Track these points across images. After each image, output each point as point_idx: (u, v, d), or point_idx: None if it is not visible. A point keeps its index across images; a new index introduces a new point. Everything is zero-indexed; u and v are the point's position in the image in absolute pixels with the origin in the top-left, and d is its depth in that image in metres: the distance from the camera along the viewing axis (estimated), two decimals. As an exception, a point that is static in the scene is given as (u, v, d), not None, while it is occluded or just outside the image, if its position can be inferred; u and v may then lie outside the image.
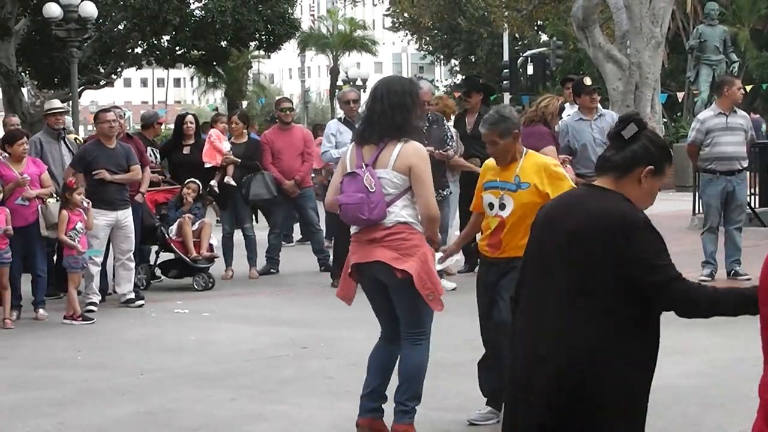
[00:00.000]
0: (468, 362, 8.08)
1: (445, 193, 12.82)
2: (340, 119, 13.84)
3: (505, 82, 42.10)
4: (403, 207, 6.69)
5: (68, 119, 14.54)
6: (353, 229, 6.91)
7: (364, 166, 6.71)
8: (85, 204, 11.84)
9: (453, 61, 62.20)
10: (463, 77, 40.73)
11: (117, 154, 12.40)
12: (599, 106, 13.50)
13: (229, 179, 14.44)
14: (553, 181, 7.04)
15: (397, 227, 6.68)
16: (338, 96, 15.28)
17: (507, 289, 7.06)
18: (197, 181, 14.03)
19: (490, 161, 7.42)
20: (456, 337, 9.48)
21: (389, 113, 6.72)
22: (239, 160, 14.50)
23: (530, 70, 43.13)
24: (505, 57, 45.79)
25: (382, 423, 6.92)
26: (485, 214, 7.32)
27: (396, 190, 6.68)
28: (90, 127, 58.16)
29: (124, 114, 14.65)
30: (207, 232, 13.82)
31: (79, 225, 11.75)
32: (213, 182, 14.44)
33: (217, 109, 46.17)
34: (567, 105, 14.74)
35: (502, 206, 7.13)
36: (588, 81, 13.31)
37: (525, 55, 47.00)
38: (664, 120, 35.90)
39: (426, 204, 6.69)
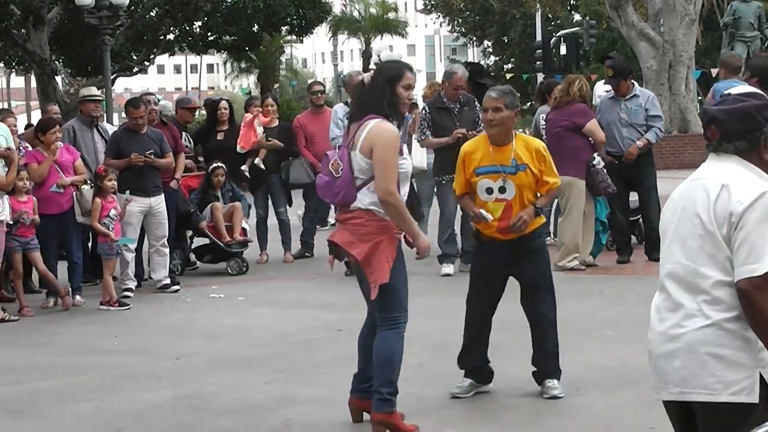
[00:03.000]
0: (502, 343, 8.08)
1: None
2: (346, 103, 13.75)
3: (538, 62, 41.93)
4: (368, 194, 6.66)
5: None
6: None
7: (337, 148, 6.87)
8: (125, 198, 11.94)
9: (486, 43, 62.01)
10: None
11: (148, 140, 12.48)
12: (635, 85, 13.40)
13: (259, 162, 14.39)
14: (546, 166, 7.45)
15: (358, 212, 6.68)
16: (345, 80, 15.21)
17: (531, 272, 7.23)
18: (221, 164, 14.01)
19: (467, 146, 7.65)
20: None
21: (374, 91, 6.79)
22: (282, 145, 14.49)
23: (563, 50, 42.94)
24: (538, 37, 45.57)
25: (368, 403, 6.91)
26: (478, 199, 7.48)
27: (363, 175, 6.67)
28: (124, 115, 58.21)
29: (159, 101, 14.65)
30: (238, 216, 13.82)
31: (113, 212, 11.81)
32: (244, 167, 14.42)
33: (250, 92, 46.16)
34: (601, 82, 14.74)
35: (503, 189, 7.32)
36: (610, 72, 13.24)
37: (558, 35, 46.77)
38: (699, 98, 35.67)
39: (380, 186, 6.59)
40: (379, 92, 6.74)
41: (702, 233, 4.07)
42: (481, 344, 7.59)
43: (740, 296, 3.97)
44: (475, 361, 7.62)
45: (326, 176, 6.80)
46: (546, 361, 7.52)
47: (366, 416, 6.97)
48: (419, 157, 13.33)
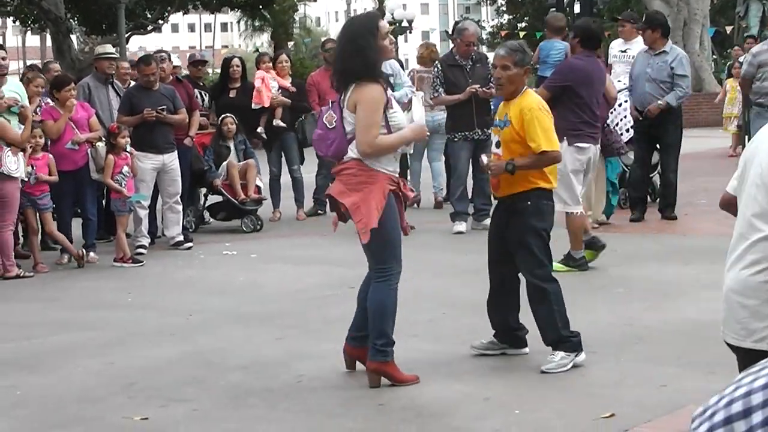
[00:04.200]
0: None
1: (489, 132, 12.78)
2: None
3: (552, 21, 41.70)
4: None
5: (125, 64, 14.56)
6: None
7: (331, 104, 6.89)
8: (129, 149, 11.94)
9: (499, 1, 61.65)
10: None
11: (160, 96, 12.50)
12: (669, 42, 13.35)
13: (277, 121, 14.44)
14: (527, 127, 7.18)
15: (350, 163, 6.76)
16: None
17: (512, 235, 7.20)
18: (230, 114, 14.01)
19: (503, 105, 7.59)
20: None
21: (348, 61, 6.77)
22: (289, 101, 14.52)
23: (577, 8, 42.66)
24: (552, -5, 45.33)
25: (362, 351, 7.06)
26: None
27: (353, 128, 6.73)
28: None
29: (170, 57, 14.64)
30: (252, 173, 13.85)
31: (125, 169, 11.85)
32: (260, 129, 14.45)
33: (257, 50, 45.96)
34: (621, 41, 14.79)
35: (498, 144, 7.30)
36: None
37: (572, -7, 46.47)
38: (714, 56, 35.49)
39: (361, 142, 6.68)
40: (363, 58, 6.72)
41: (759, 183, 4.05)
42: (500, 307, 7.42)
43: None
44: (496, 322, 7.47)
45: (320, 129, 6.90)
46: (541, 331, 7.31)
47: (360, 366, 7.08)
48: (419, 113, 13.36)
